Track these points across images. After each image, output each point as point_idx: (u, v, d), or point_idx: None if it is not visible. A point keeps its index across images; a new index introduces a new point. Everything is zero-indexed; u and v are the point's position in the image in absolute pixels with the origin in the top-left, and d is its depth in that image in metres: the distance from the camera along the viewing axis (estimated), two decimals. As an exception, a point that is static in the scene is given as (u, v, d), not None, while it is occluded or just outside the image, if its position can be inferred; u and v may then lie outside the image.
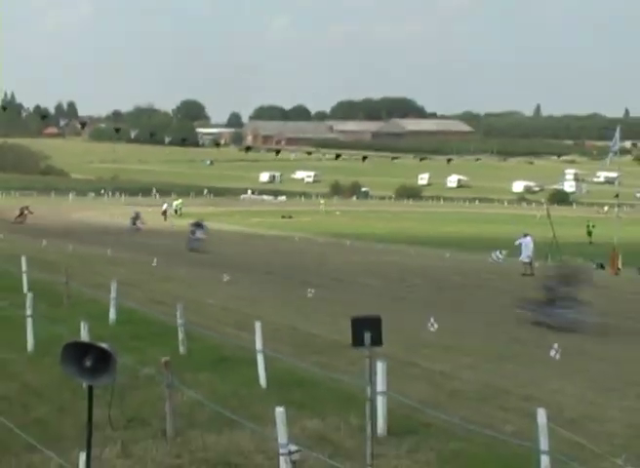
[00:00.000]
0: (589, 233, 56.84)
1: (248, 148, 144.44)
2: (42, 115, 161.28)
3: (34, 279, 20.78)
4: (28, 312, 14.17)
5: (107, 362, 5.30)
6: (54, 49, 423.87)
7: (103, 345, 5.33)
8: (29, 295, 14.61)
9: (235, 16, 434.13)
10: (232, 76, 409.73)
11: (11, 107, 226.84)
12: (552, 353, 15.26)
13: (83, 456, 6.12)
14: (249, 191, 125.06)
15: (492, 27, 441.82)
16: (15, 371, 12.70)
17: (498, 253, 39.11)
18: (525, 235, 35.13)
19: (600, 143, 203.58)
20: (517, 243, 35.30)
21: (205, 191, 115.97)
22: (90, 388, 5.44)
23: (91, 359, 5.27)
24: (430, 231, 65.11)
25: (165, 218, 67.98)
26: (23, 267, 20.66)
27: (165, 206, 71.90)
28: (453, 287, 28.68)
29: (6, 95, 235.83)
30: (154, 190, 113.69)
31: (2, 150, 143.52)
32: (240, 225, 65.06)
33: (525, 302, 20.60)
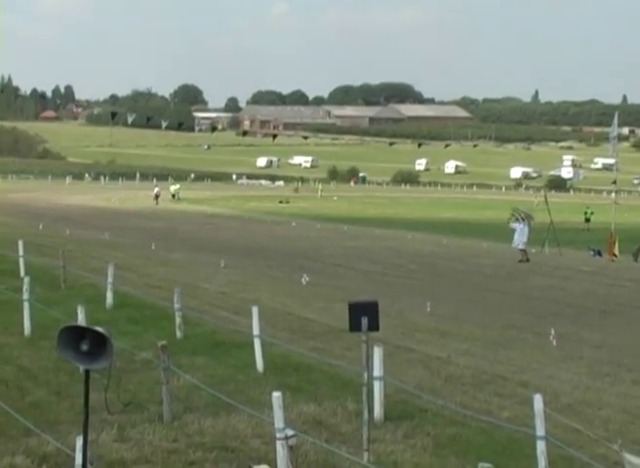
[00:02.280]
0: (587, 219, 56.75)
1: (245, 133, 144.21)
2: (40, 96, 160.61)
3: (31, 263, 20.77)
4: (25, 296, 14.17)
5: (104, 346, 5.29)
6: (52, 32, 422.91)
7: (100, 329, 5.32)
8: (26, 279, 14.59)
9: (235, 0, 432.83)
10: (230, 61, 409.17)
11: (8, 91, 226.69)
12: (550, 339, 15.28)
13: (80, 440, 6.12)
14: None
15: (490, 13, 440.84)
16: (11, 355, 12.71)
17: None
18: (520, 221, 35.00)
19: (598, 129, 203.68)
20: (512, 226, 35.11)
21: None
22: (87, 372, 5.43)
23: (87, 343, 5.27)
24: (427, 217, 65.07)
25: (157, 202, 67.27)
26: (20, 251, 20.64)
27: (156, 189, 70.61)
28: (449, 272, 28.68)
29: (3, 78, 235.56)
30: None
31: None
32: (238, 210, 65.05)
33: None
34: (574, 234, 47.62)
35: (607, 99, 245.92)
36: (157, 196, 68.61)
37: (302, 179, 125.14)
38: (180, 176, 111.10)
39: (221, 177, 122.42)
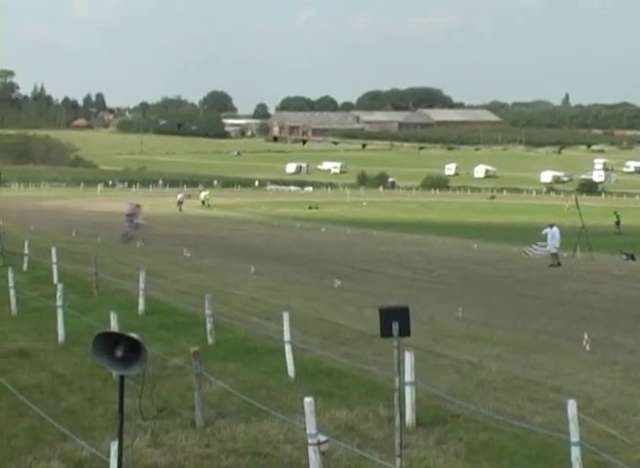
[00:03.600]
0: (617, 223, 56.30)
1: (275, 139, 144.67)
2: (72, 104, 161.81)
3: (64, 270, 20.98)
4: (59, 303, 14.30)
5: (138, 352, 5.34)
6: (83, 41, 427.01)
7: (134, 335, 5.37)
8: (59, 286, 14.73)
9: (262, 7, 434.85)
10: (259, 67, 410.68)
11: (40, 99, 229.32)
12: (583, 343, 15.16)
13: (114, 445, 6.18)
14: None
15: (519, 16, 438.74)
16: (46, 361, 12.83)
17: (534, 245, 37.63)
18: (551, 225, 34.82)
19: (630, 133, 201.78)
20: (544, 232, 35.02)
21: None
22: (121, 378, 5.48)
23: (122, 349, 5.32)
24: (457, 221, 64.83)
25: (180, 209, 67.19)
26: (53, 258, 20.86)
27: (179, 196, 70.55)
28: (480, 277, 28.56)
29: (36, 87, 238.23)
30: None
31: (32, 142, 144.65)
32: (267, 216, 65.22)
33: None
34: (605, 238, 47.21)
35: (639, 102, 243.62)
36: (180, 202, 68.59)
37: (331, 185, 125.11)
38: (209, 183, 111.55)
39: (250, 184, 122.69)
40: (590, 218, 46.75)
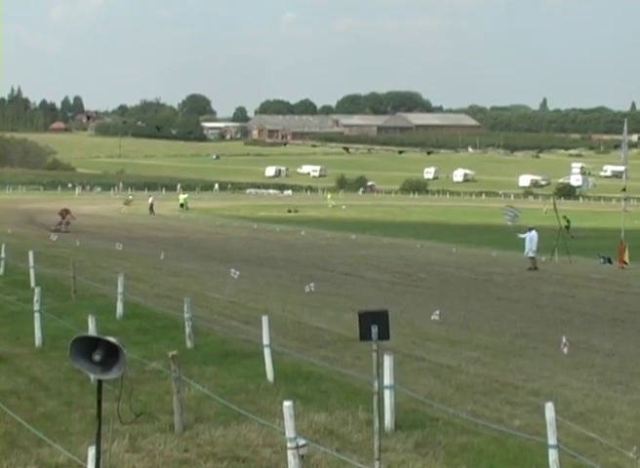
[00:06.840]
0: (567, 227, 56.51)
1: (255, 141, 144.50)
2: (49, 107, 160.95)
3: (42, 273, 20.83)
4: (36, 307, 14.20)
5: (116, 356, 5.31)
6: (61, 43, 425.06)
7: (112, 339, 5.34)
8: (37, 290, 14.63)
9: (242, 10, 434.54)
10: (238, 70, 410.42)
11: (18, 102, 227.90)
12: (561, 347, 15.22)
13: (92, 450, 6.13)
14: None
15: (498, 21, 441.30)
16: (23, 366, 12.74)
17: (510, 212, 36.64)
18: (530, 229, 34.96)
19: (607, 137, 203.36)
20: (521, 236, 35.14)
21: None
22: (99, 382, 5.45)
23: (100, 353, 5.29)
24: (436, 225, 64.98)
25: (152, 212, 66.90)
26: (31, 262, 20.71)
27: (150, 199, 70.42)
28: (459, 281, 28.64)
29: (12, 90, 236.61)
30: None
31: (9, 145, 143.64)
32: (247, 219, 65.13)
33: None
34: (583, 241, 47.50)
35: (615, 107, 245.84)
36: (152, 206, 68.18)
37: (311, 188, 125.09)
38: (189, 186, 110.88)
39: (229, 187, 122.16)
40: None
